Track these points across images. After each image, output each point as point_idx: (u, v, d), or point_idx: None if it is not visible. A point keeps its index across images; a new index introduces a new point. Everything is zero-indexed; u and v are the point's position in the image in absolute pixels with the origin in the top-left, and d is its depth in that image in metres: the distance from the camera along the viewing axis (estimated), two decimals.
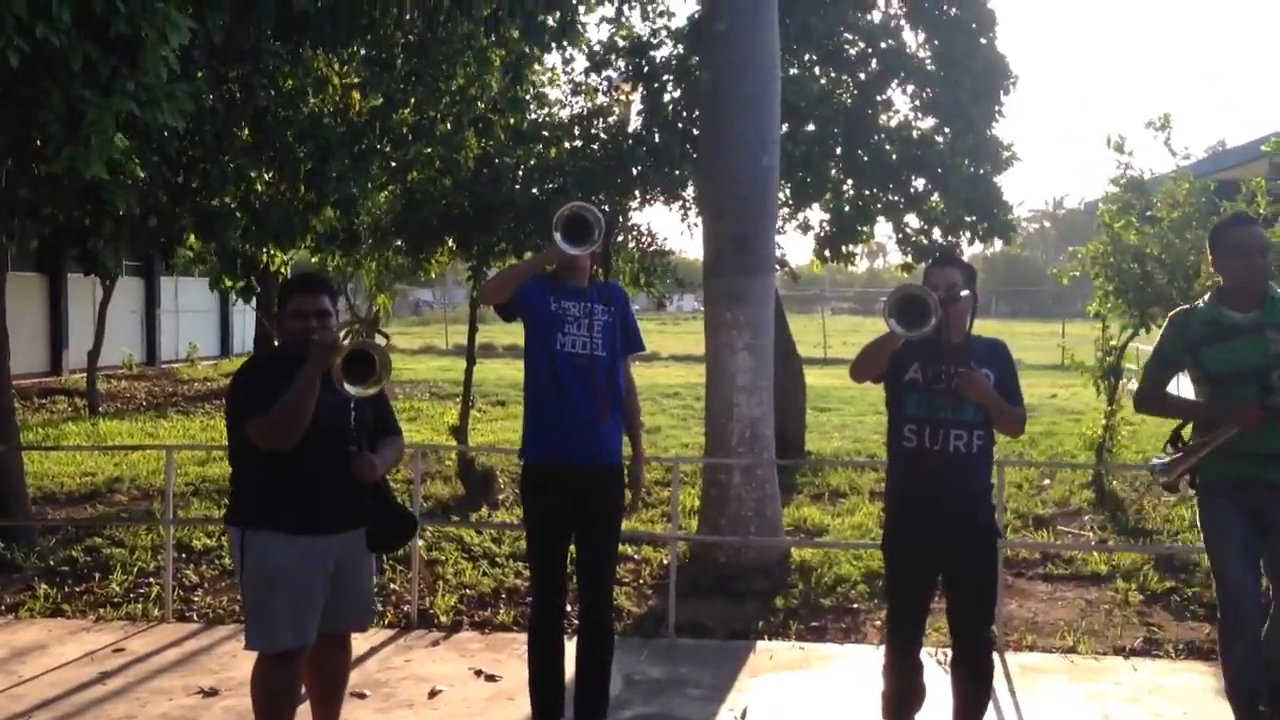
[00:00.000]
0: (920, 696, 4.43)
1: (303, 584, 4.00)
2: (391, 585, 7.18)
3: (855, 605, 7.04)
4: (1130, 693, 5.53)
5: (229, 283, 9.09)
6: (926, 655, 4.51)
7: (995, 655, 4.86)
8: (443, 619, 6.62)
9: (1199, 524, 4.55)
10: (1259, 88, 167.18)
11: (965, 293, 4.17)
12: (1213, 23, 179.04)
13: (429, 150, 9.56)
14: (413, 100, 8.97)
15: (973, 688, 4.33)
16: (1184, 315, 4.58)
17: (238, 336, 29.55)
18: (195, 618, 6.68)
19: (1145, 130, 9.80)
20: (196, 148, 7.82)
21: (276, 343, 4.39)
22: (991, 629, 4.61)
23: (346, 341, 4.15)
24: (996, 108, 12.28)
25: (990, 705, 4.52)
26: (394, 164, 9.46)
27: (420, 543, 7.16)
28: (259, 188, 8.52)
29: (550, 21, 9.40)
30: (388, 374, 3.94)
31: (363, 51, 8.80)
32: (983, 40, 12.16)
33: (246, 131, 8.11)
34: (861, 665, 5.83)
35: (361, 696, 5.27)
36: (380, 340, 13.64)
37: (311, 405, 3.86)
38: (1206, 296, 4.55)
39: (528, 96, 10.71)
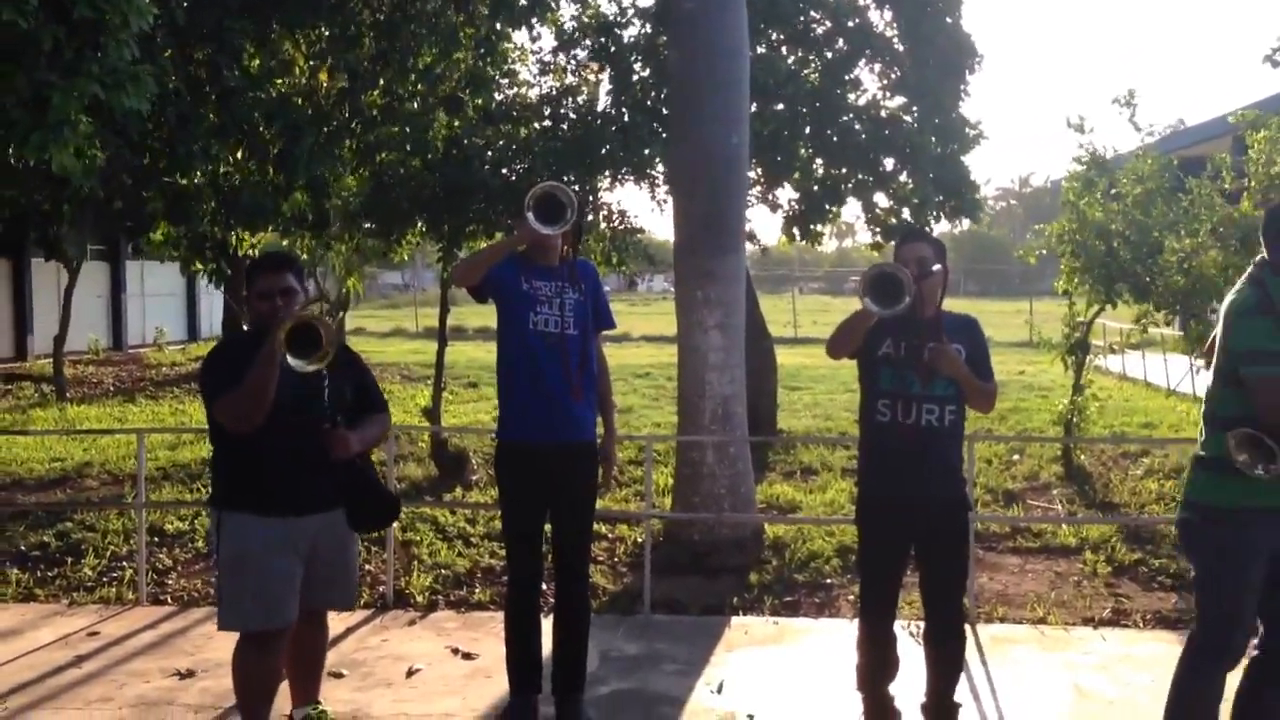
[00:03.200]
0: (894, 668, 4.50)
1: (274, 566, 4.00)
2: (367, 566, 7.18)
3: (828, 580, 7.11)
4: (1100, 661, 5.62)
5: (199, 266, 9.04)
6: (900, 628, 4.57)
7: (967, 627, 4.93)
8: (419, 599, 6.63)
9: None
10: (1216, 68, 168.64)
11: (937, 267, 4.21)
12: (1169, 4, 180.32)
13: (398, 130, 9.51)
14: (381, 81, 8.91)
15: (945, 659, 4.40)
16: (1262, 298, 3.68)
17: (205, 320, 29.34)
18: (169, 601, 6.66)
19: (1111, 107, 9.91)
20: (162, 129, 7.75)
21: (245, 325, 4.38)
22: (964, 601, 4.67)
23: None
24: (962, 86, 12.35)
25: (963, 676, 4.59)
26: (363, 145, 9.40)
27: (395, 524, 7.16)
28: (228, 169, 8.45)
29: (521, 0, 9.38)
30: (334, 349, 3.87)
31: (328, 31, 8.74)
32: (948, 19, 12.22)
33: (213, 114, 8.04)
34: (836, 639, 5.90)
35: (339, 676, 5.28)
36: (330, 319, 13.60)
37: (271, 384, 3.83)
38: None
39: (497, 75, 10.68)
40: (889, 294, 3.92)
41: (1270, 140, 7.23)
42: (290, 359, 3.77)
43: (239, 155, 8.42)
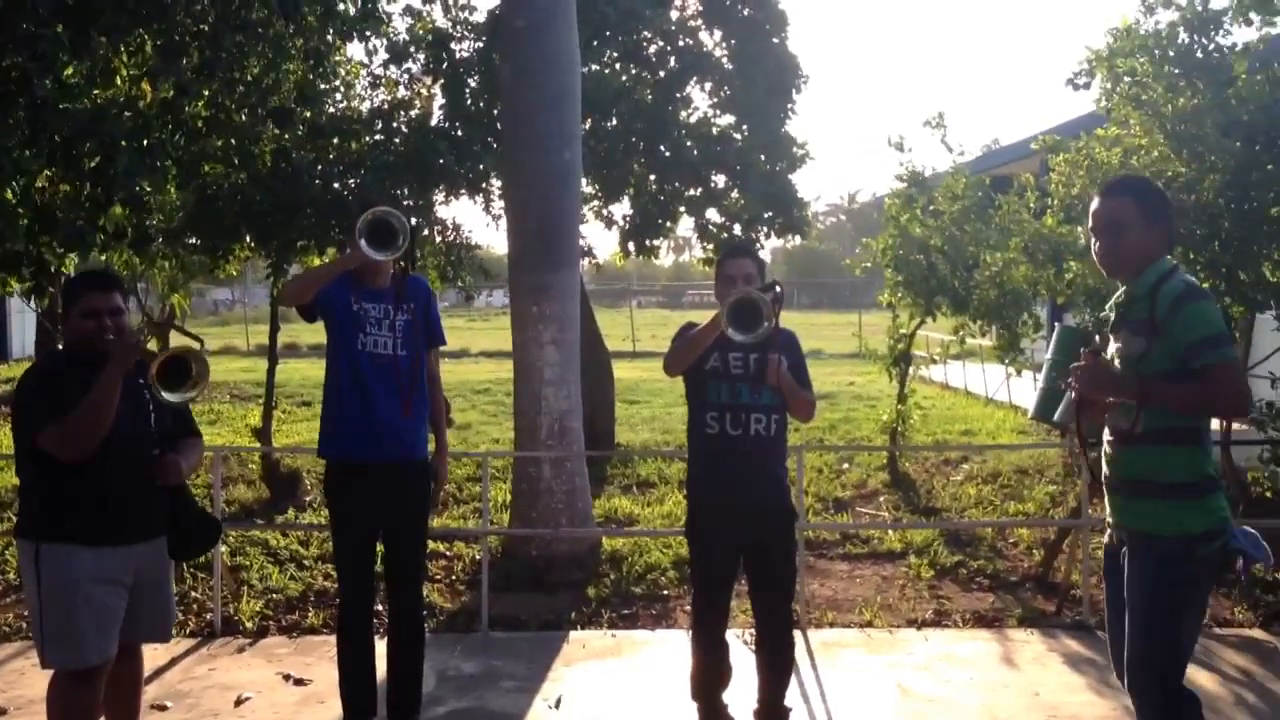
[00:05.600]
0: (727, 676, 4.60)
1: (104, 597, 3.84)
2: (193, 593, 6.95)
3: (665, 592, 7.20)
4: (922, 661, 5.85)
5: (14, 284, 8.56)
6: (733, 636, 4.67)
7: (797, 633, 5.08)
8: (248, 625, 6.45)
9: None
10: (1028, 90, 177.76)
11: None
12: (988, 30, 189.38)
13: (223, 143, 9.22)
14: (206, 92, 8.61)
15: (776, 665, 4.53)
16: None
17: (16, 339, 27.83)
18: None
19: (924, 129, 10.36)
20: None
21: (61, 344, 4.19)
22: (793, 608, 4.80)
23: (152, 344, 3.98)
24: (789, 105, 12.74)
25: (793, 680, 4.72)
26: (186, 158, 9.07)
27: (223, 548, 6.95)
28: (39, 184, 8.05)
29: (350, 10, 9.24)
30: (205, 379, 3.83)
31: (150, 41, 8.41)
32: (775, 40, 12.59)
33: (23, 126, 7.64)
34: (672, 649, 5.99)
35: (163, 709, 5.09)
36: (194, 344, 13.08)
37: (113, 410, 3.71)
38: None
39: (328, 88, 10.47)
40: (750, 321, 4.02)
41: (1070, 162, 7.68)
42: (164, 393, 3.73)
43: (50, 170, 8.02)
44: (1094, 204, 3.65)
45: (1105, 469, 3.62)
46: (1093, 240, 3.65)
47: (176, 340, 12.72)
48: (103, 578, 3.84)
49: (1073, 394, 3.62)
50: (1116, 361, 3.53)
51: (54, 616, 3.84)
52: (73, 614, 3.81)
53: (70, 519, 3.83)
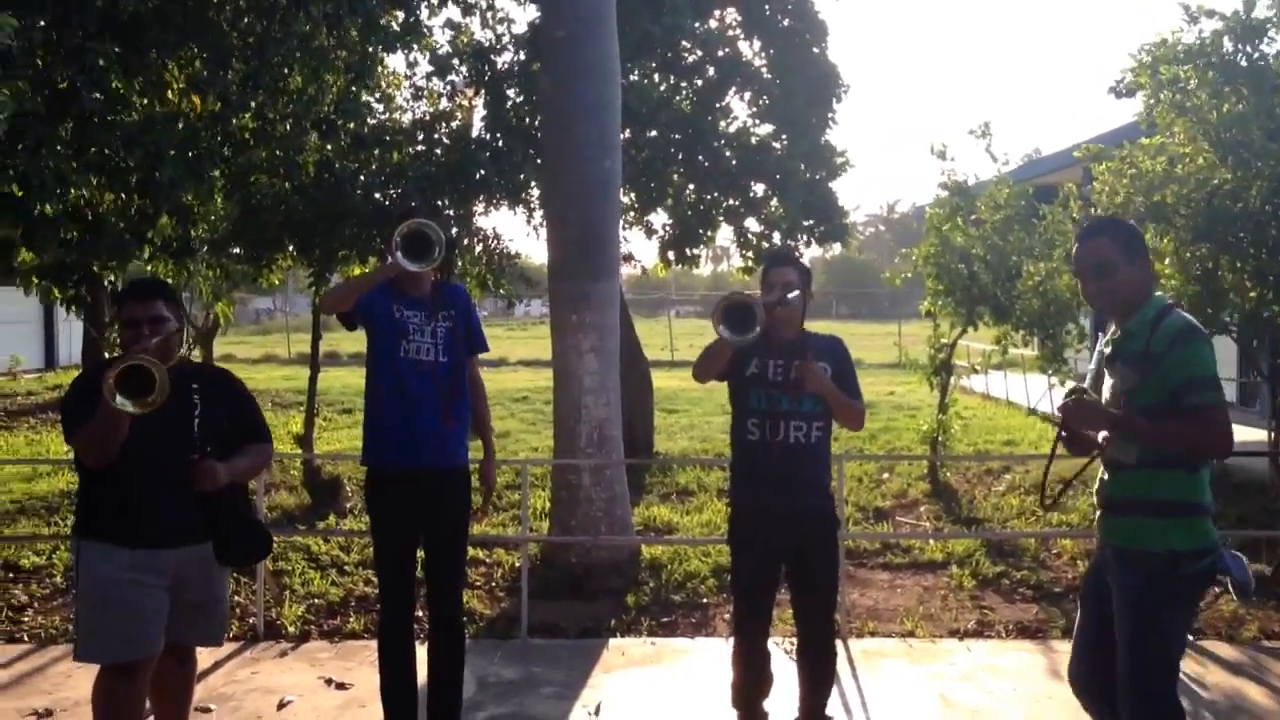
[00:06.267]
0: (768, 685, 4.58)
1: (132, 597, 3.87)
2: (236, 597, 7.01)
3: (705, 600, 7.19)
4: (965, 671, 5.80)
5: (56, 294, 8.70)
6: (774, 645, 4.65)
7: (838, 642, 5.05)
8: (290, 629, 6.51)
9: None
10: (1071, 99, 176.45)
11: (794, 294, 4.32)
12: (1030, 41, 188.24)
13: (268, 154, 9.34)
14: (253, 103, 8.73)
15: (817, 674, 4.50)
16: None
17: (64, 348, 28.23)
18: (26, 638, 6.41)
19: (968, 137, 10.33)
20: (18, 155, 7.45)
21: (108, 353, 4.24)
22: (834, 617, 4.78)
23: (196, 354, 3.95)
24: (829, 114, 12.74)
25: (835, 690, 4.70)
26: (233, 169, 9.20)
27: None
28: (87, 195, 8.17)
29: (394, 24, 9.33)
30: (164, 396, 3.65)
31: (199, 53, 8.54)
32: (815, 50, 12.60)
33: (70, 137, 7.76)
34: (712, 657, 5.97)
35: (206, 711, 5.15)
36: (197, 355, 13.10)
37: (119, 425, 3.70)
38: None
39: (371, 100, 10.57)
40: (741, 323, 4.03)
41: (1113, 171, 7.61)
42: (120, 399, 3.62)
43: (97, 181, 8.14)
44: (1074, 248, 3.73)
45: (1098, 491, 3.68)
46: (1080, 284, 3.72)
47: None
48: (134, 577, 3.89)
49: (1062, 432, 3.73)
50: (1106, 395, 3.60)
51: (85, 612, 3.94)
52: (102, 610, 3.88)
53: (102, 520, 3.92)
